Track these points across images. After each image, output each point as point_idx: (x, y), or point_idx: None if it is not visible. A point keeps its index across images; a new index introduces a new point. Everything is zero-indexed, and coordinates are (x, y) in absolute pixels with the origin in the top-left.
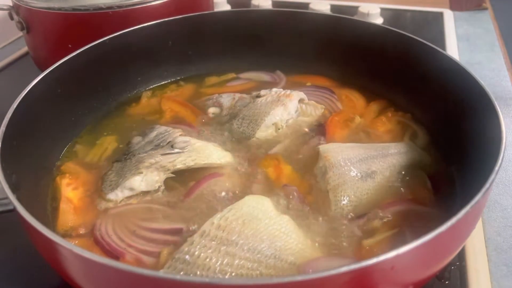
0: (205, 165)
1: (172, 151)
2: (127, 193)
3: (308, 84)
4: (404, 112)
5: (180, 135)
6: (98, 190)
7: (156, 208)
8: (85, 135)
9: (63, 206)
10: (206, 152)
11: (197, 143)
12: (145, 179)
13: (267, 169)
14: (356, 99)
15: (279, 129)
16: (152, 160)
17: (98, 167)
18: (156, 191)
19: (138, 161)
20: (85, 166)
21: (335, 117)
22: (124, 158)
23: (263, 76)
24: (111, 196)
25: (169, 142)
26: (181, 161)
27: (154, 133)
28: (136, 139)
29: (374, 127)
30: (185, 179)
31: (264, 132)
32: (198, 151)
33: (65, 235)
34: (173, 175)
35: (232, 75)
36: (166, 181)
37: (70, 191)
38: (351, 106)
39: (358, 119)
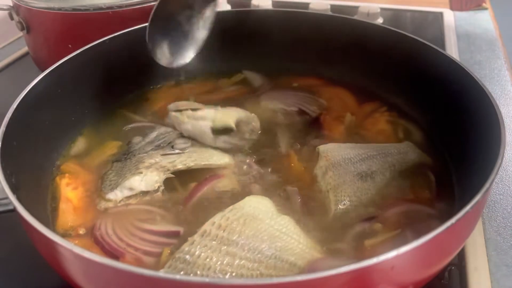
0: (205, 166)
1: (173, 152)
2: (126, 193)
3: (295, 84)
4: (402, 112)
5: (180, 136)
6: (98, 190)
7: (156, 208)
8: (85, 135)
9: (63, 206)
10: (206, 153)
11: (197, 144)
12: (145, 179)
13: (278, 167)
14: (350, 99)
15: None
16: (152, 160)
17: (98, 167)
18: (156, 191)
19: (138, 161)
20: (85, 166)
21: (326, 116)
22: (124, 158)
23: (258, 77)
24: (111, 196)
25: (169, 142)
26: (181, 162)
27: (154, 134)
28: (136, 139)
29: (369, 128)
30: (185, 180)
31: None
32: (199, 152)
33: (65, 235)
34: (173, 175)
35: (232, 75)
36: (166, 181)
37: (70, 191)
38: (341, 105)
39: (349, 117)
